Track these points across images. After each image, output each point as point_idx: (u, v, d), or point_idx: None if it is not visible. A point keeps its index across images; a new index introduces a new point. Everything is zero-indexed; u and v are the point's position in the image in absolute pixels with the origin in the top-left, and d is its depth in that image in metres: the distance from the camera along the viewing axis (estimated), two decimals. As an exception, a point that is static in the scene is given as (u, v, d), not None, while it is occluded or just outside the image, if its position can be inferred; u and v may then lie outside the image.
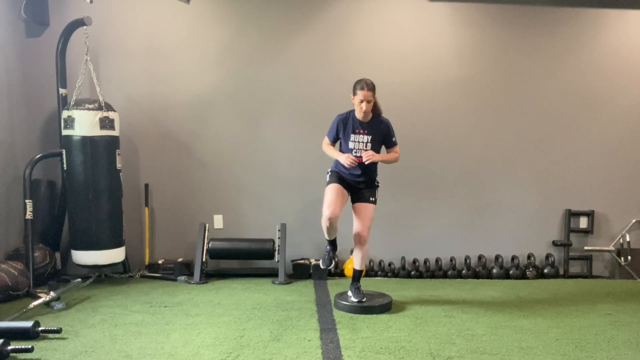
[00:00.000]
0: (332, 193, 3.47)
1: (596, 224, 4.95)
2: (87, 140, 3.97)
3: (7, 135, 4.24)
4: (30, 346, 2.56)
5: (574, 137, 4.90)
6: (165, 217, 4.76)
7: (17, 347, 2.54)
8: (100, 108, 4.00)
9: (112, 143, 4.12)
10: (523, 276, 4.71)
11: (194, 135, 4.72)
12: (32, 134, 4.54)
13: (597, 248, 4.94)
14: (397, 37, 4.74)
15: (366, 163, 3.40)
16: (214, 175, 4.76)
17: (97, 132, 3.98)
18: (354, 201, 3.59)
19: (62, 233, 4.48)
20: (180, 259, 4.59)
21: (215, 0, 4.64)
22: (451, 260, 4.76)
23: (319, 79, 4.73)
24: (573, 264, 4.94)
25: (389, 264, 4.76)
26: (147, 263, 4.64)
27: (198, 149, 4.73)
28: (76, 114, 3.94)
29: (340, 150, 3.58)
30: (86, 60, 4.11)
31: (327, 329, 3.06)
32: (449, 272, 4.72)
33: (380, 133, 3.51)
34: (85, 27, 4.08)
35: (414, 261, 4.75)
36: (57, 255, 4.43)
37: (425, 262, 4.74)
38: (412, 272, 4.70)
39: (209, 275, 4.51)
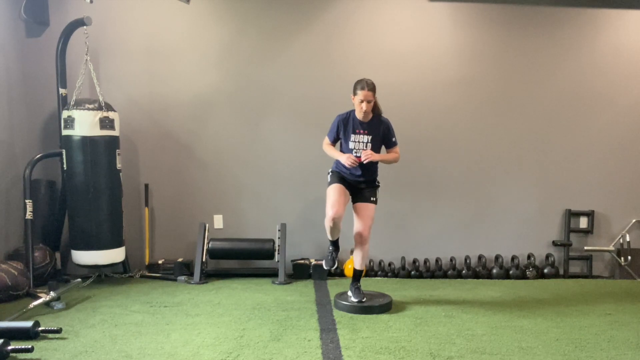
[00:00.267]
0: (334, 193, 3.47)
1: (596, 224, 4.95)
2: (87, 140, 3.97)
3: (7, 135, 4.24)
4: (30, 346, 2.56)
5: (574, 137, 4.90)
6: (165, 217, 4.76)
7: (17, 347, 2.54)
8: (100, 108, 4.00)
9: (112, 143, 4.12)
10: (523, 276, 4.71)
11: (194, 135, 4.72)
12: (32, 134, 4.54)
13: (597, 248, 4.94)
14: (397, 37, 4.74)
15: (365, 162, 3.40)
16: (214, 175, 4.76)
17: (97, 132, 3.98)
18: (354, 201, 3.60)
19: (62, 233, 4.48)
20: (180, 259, 4.59)
21: (215, 0, 4.64)
22: (451, 260, 4.76)
23: (319, 79, 4.73)
24: (573, 264, 4.94)
25: (389, 264, 4.76)
26: (147, 263, 4.64)
27: (198, 149, 4.74)
28: (76, 114, 3.94)
29: (341, 151, 3.58)
30: (86, 60, 4.11)
31: (327, 329, 3.06)
32: (449, 272, 4.72)
33: (381, 133, 3.51)
34: (85, 27, 4.08)
35: (414, 261, 4.75)
36: (57, 255, 4.43)
37: (425, 262, 4.74)
38: (412, 272, 4.70)
39: (209, 275, 4.51)
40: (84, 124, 3.94)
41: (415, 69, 4.77)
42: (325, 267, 3.76)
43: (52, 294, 3.49)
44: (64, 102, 4.27)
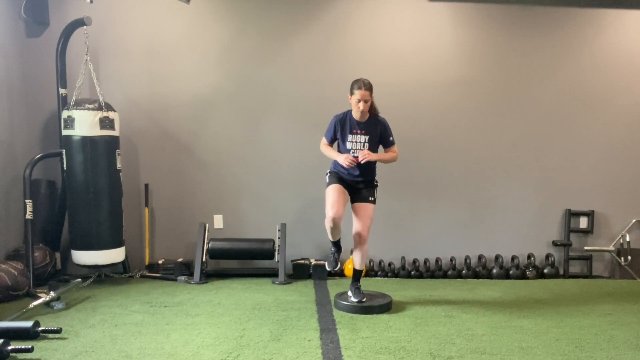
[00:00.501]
0: (333, 193, 3.47)
1: (596, 224, 4.95)
2: (87, 140, 3.97)
3: (7, 135, 4.24)
4: (30, 346, 2.57)
5: (574, 137, 4.90)
6: (165, 217, 4.76)
7: (17, 347, 2.54)
8: (100, 108, 4.00)
9: (112, 143, 4.12)
10: (523, 276, 4.71)
11: (194, 135, 4.72)
12: (32, 134, 4.54)
13: (597, 248, 4.94)
14: (397, 37, 4.74)
15: (362, 162, 3.40)
16: (214, 175, 4.76)
17: (97, 132, 3.98)
18: (353, 201, 3.60)
19: (62, 233, 4.48)
20: (180, 259, 4.60)
21: (215, 0, 4.64)
22: (451, 260, 4.76)
23: (319, 79, 4.73)
24: (573, 264, 4.94)
25: (389, 264, 4.76)
26: (147, 263, 4.64)
27: (198, 149, 4.74)
28: (76, 114, 3.94)
29: (338, 151, 3.58)
30: (86, 60, 4.11)
31: (327, 329, 3.06)
32: (449, 272, 4.72)
33: (378, 132, 3.51)
34: (85, 27, 4.08)
35: (414, 261, 4.75)
36: (57, 255, 4.43)
37: (425, 262, 4.74)
38: (412, 272, 4.69)
39: (209, 275, 4.51)
40: (84, 124, 3.94)
41: (415, 69, 4.77)
42: (328, 269, 3.78)
43: (52, 294, 3.49)
44: (64, 102, 4.27)
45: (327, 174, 3.65)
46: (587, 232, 4.93)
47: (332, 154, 3.54)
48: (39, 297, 3.47)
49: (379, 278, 4.65)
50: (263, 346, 2.76)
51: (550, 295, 4.05)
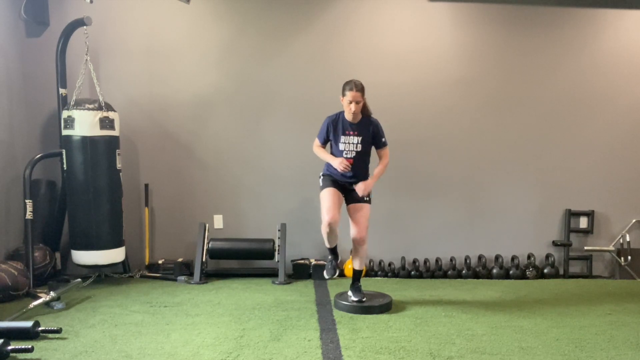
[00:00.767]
0: (329, 198, 3.45)
1: (596, 224, 4.95)
2: (87, 140, 3.97)
3: (7, 135, 4.24)
4: (30, 346, 2.56)
5: (574, 137, 4.90)
6: (165, 217, 4.76)
7: (17, 347, 2.54)
8: (100, 108, 4.00)
9: (112, 143, 4.12)
10: (523, 276, 4.71)
11: (194, 135, 4.72)
12: (32, 134, 4.54)
13: (597, 248, 4.94)
14: (397, 37, 4.74)
15: (363, 196, 3.44)
16: (214, 175, 4.76)
17: (97, 132, 3.99)
18: (348, 202, 3.58)
19: (62, 233, 4.48)
20: (180, 259, 4.59)
21: (215, 0, 4.64)
22: (451, 260, 4.76)
23: (319, 79, 4.73)
24: (573, 264, 4.94)
25: (389, 264, 4.76)
26: (147, 263, 4.64)
27: (198, 149, 4.74)
28: (76, 114, 3.94)
29: (331, 152, 3.57)
30: (86, 60, 4.11)
31: (327, 329, 3.06)
32: (449, 272, 4.72)
33: (370, 134, 3.49)
34: (85, 27, 4.08)
35: (414, 261, 4.75)
36: (57, 255, 4.43)
37: (425, 262, 4.74)
38: (412, 272, 4.69)
39: (209, 275, 4.51)
40: (84, 124, 3.94)
41: (415, 69, 4.77)
42: (326, 277, 3.80)
43: (52, 294, 3.49)
44: (64, 102, 4.27)
45: (320, 177, 3.62)
46: (587, 232, 4.93)
47: (325, 156, 3.52)
48: (39, 297, 3.47)
49: (379, 278, 4.65)
50: (263, 346, 2.76)
51: (550, 295, 4.05)
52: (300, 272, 4.56)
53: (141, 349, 2.72)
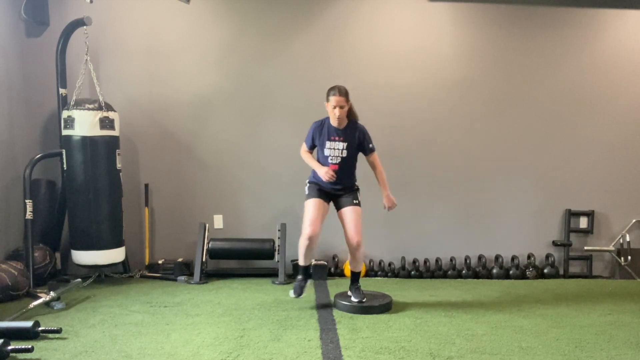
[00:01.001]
0: (313, 210, 3.42)
1: (596, 224, 4.95)
2: (87, 140, 3.97)
3: (7, 135, 4.24)
4: (30, 346, 2.56)
5: (574, 137, 4.90)
6: (165, 217, 4.76)
7: (17, 347, 2.54)
8: (100, 108, 4.00)
9: (112, 143, 4.12)
10: (523, 276, 4.71)
11: (194, 135, 4.72)
12: (32, 134, 4.54)
13: (597, 248, 4.94)
14: (397, 37, 4.74)
15: (391, 210, 3.55)
16: (214, 175, 4.76)
17: (97, 132, 3.99)
18: (338, 207, 3.54)
19: (62, 233, 4.48)
20: (180, 259, 4.59)
21: (215, 0, 4.64)
22: (451, 260, 4.76)
23: (319, 79, 4.71)
24: (573, 264, 4.94)
25: (389, 264, 4.76)
26: (147, 263, 4.64)
27: (198, 149, 4.74)
28: (76, 114, 3.94)
29: (317, 158, 3.54)
30: (86, 60, 4.11)
31: (327, 329, 3.06)
32: (449, 272, 4.72)
33: (356, 140, 3.45)
34: (85, 27, 4.08)
35: (414, 261, 4.75)
36: (57, 255, 4.43)
37: (425, 262, 4.74)
38: (412, 272, 4.69)
39: (209, 275, 4.51)
40: (84, 124, 3.94)
41: (415, 69, 4.77)
42: (292, 296, 3.52)
43: (52, 294, 3.49)
44: (64, 102, 4.27)
45: (306, 184, 3.59)
46: (587, 232, 4.94)
47: (312, 163, 3.50)
48: (39, 297, 3.47)
49: (379, 278, 4.65)
50: (263, 346, 2.76)
51: (550, 295, 4.05)
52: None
53: (141, 349, 2.72)
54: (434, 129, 4.82)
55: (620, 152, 4.92)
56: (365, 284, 4.27)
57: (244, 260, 4.72)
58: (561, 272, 4.88)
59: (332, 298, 3.75)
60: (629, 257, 4.81)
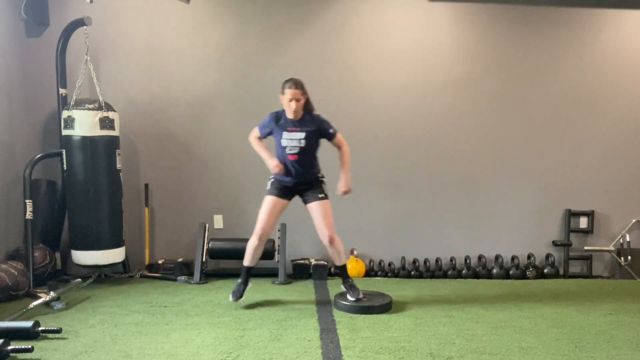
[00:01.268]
0: (267, 209, 3.46)
1: (596, 224, 4.95)
2: (87, 140, 3.97)
3: (7, 135, 4.24)
4: (30, 346, 2.56)
5: (574, 137, 4.90)
6: (165, 217, 4.76)
7: (17, 347, 2.54)
8: (100, 108, 4.00)
9: (112, 143, 4.12)
10: (523, 276, 4.71)
11: (194, 135, 4.72)
12: (32, 134, 4.54)
13: (597, 248, 4.94)
14: (397, 37, 4.74)
15: (344, 195, 3.48)
16: (214, 175, 4.75)
17: (97, 132, 3.98)
18: (305, 203, 3.54)
19: (62, 233, 4.48)
20: (180, 259, 4.59)
21: (215, 0, 4.64)
22: (451, 260, 4.76)
23: (319, 79, 4.72)
24: (573, 264, 4.94)
25: (389, 264, 4.75)
26: (147, 263, 4.64)
27: (198, 149, 4.73)
28: (76, 114, 3.94)
29: (276, 151, 3.51)
30: (86, 60, 4.11)
31: (327, 329, 3.06)
32: (449, 272, 4.72)
33: (315, 128, 3.43)
34: (85, 27, 4.08)
35: (414, 261, 4.75)
36: (57, 255, 4.43)
37: (425, 262, 4.74)
38: (412, 272, 4.69)
39: (209, 275, 4.51)
40: (84, 124, 3.94)
41: (415, 69, 4.77)
42: (231, 300, 3.51)
43: (52, 294, 3.49)
44: (64, 102, 4.27)
45: (269, 179, 3.59)
46: (587, 232, 4.93)
47: (260, 150, 3.50)
48: (39, 297, 3.47)
49: (379, 278, 4.65)
50: (263, 346, 2.76)
51: (550, 295, 4.05)
52: (300, 272, 4.56)
53: (141, 349, 2.72)
54: (434, 128, 4.82)
55: (620, 152, 4.92)
56: (365, 283, 4.27)
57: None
58: (561, 272, 4.87)
59: (332, 298, 3.75)
60: (629, 257, 4.81)
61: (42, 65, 4.46)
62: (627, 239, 4.86)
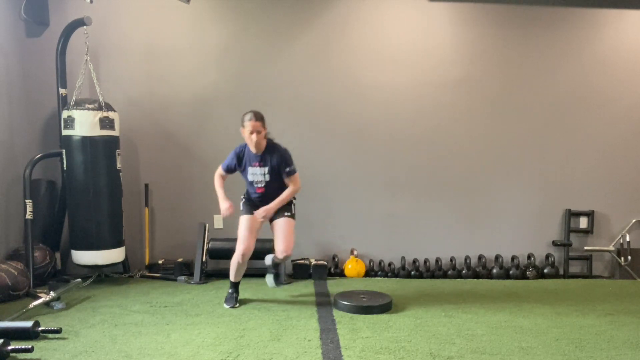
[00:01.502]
0: (245, 227, 3.47)
1: (596, 224, 4.95)
2: (87, 140, 3.97)
3: (7, 135, 4.24)
4: (30, 346, 2.57)
5: (574, 137, 4.90)
6: (165, 217, 4.76)
7: (17, 347, 2.55)
8: (100, 108, 4.00)
9: (112, 143, 4.12)
10: (523, 276, 4.71)
11: (194, 135, 4.72)
12: (32, 134, 4.54)
13: (597, 248, 4.93)
14: (397, 37, 4.73)
15: (261, 221, 3.47)
16: (214, 175, 4.74)
17: (97, 132, 3.99)
18: (271, 220, 3.55)
19: (62, 233, 4.48)
20: (180, 259, 4.59)
21: (215, 0, 4.64)
22: (451, 260, 4.76)
23: (319, 79, 4.73)
24: (573, 264, 4.94)
25: (389, 264, 4.75)
26: (147, 263, 4.64)
27: (198, 148, 4.73)
28: (76, 114, 3.94)
29: (246, 184, 3.56)
30: (86, 60, 4.11)
31: (327, 329, 3.06)
32: (449, 272, 4.72)
33: (276, 163, 3.41)
34: (85, 27, 4.08)
35: (414, 261, 4.75)
36: (57, 255, 4.43)
37: (425, 262, 4.74)
38: (412, 272, 4.69)
39: (209, 275, 4.51)
40: (84, 124, 3.94)
41: (415, 69, 4.77)
42: (226, 306, 3.56)
43: (52, 294, 3.49)
44: (64, 102, 4.27)
45: (242, 198, 3.63)
46: (587, 232, 4.93)
47: (219, 192, 3.53)
48: (39, 297, 3.47)
49: (379, 278, 4.65)
50: (263, 346, 2.76)
51: (550, 295, 4.05)
52: (300, 272, 4.56)
53: (141, 349, 2.72)
54: (434, 128, 4.82)
55: (620, 152, 4.92)
56: (365, 284, 4.28)
57: (244, 260, 4.71)
58: (561, 272, 4.87)
59: (332, 298, 3.75)
60: (629, 257, 4.81)
61: (42, 65, 4.46)
62: (627, 239, 4.86)
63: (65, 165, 4.08)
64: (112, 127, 4.07)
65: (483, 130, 4.85)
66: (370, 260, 4.78)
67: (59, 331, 2.88)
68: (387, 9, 4.70)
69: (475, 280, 4.64)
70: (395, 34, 4.73)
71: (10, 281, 3.61)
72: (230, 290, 3.67)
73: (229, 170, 3.54)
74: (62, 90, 4.30)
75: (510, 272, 4.72)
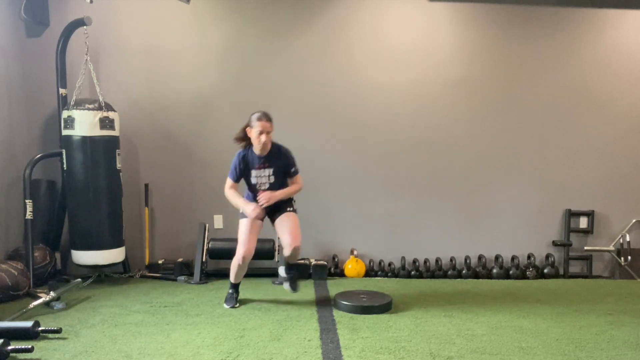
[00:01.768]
0: (245, 230, 3.43)
1: (596, 224, 4.95)
2: (87, 140, 3.97)
3: (7, 135, 4.24)
4: (30, 346, 2.57)
5: (574, 137, 4.90)
6: (165, 217, 4.76)
7: (17, 347, 2.54)
8: (100, 108, 4.00)
9: (112, 143, 4.12)
10: (523, 276, 4.71)
11: (194, 135, 4.72)
12: (32, 134, 4.54)
13: (597, 248, 4.93)
14: (397, 37, 4.73)
15: (263, 205, 3.37)
16: (214, 175, 4.74)
17: (97, 132, 3.99)
18: (273, 219, 3.54)
19: (62, 233, 4.48)
20: (180, 259, 4.59)
21: (215, 0, 4.64)
22: (451, 260, 4.76)
23: (319, 79, 4.73)
24: (573, 264, 4.94)
25: (389, 264, 4.75)
26: (147, 263, 4.64)
27: (198, 148, 4.73)
28: (76, 114, 3.94)
29: (247, 188, 3.54)
30: (86, 60, 4.11)
31: (327, 329, 3.06)
32: (449, 272, 4.72)
33: (282, 163, 3.44)
34: (85, 27, 4.08)
35: (414, 261, 4.75)
36: (57, 255, 4.43)
37: (425, 262, 4.74)
38: (412, 272, 4.69)
39: (209, 275, 4.51)
40: (84, 124, 3.94)
41: (415, 69, 4.77)
42: (226, 306, 3.56)
43: (52, 294, 3.49)
44: (64, 102, 4.27)
45: None
46: (587, 232, 4.93)
47: (237, 201, 3.43)
48: (39, 297, 3.47)
49: (379, 278, 4.65)
50: (263, 346, 2.76)
51: (550, 295, 4.05)
52: (300, 272, 4.55)
53: (141, 349, 2.72)
54: (434, 128, 4.82)
55: (620, 152, 4.92)
56: (365, 284, 4.28)
57: (244, 260, 4.71)
58: (561, 272, 4.87)
59: (332, 298, 3.75)
60: (629, 257, 4.81)
61: (42, 65, 4.46)
62: (627, 239, 4.86)
63: (65, 165, 4.08)
64: (112, 127, 4.07)
65: (483, 130, 4.85)
66: (370, 260, 4.78)
67: (59, 331, 2.88)
68: (387, 9, 4.70)
69: (475, 280, 4.64)
70: (395, 34, 4.73)
71: (10, 281, 3.61)
72: (230, 291, 3.68)
73: (238, 177, 3.50)
74: (62, 90, 4.30)
75: (510, 272, 4.72)
